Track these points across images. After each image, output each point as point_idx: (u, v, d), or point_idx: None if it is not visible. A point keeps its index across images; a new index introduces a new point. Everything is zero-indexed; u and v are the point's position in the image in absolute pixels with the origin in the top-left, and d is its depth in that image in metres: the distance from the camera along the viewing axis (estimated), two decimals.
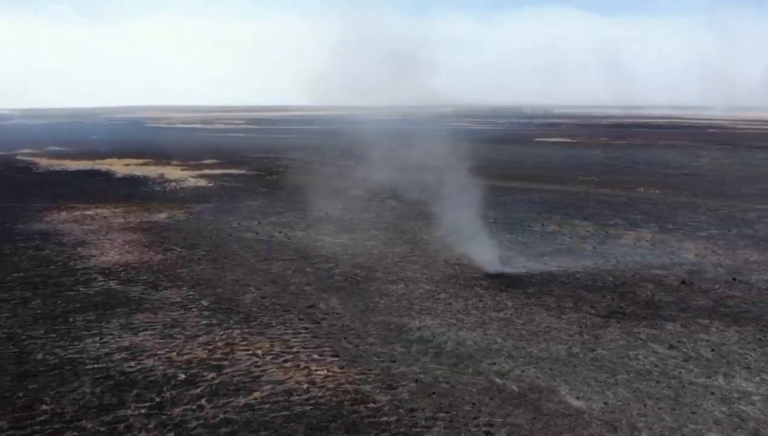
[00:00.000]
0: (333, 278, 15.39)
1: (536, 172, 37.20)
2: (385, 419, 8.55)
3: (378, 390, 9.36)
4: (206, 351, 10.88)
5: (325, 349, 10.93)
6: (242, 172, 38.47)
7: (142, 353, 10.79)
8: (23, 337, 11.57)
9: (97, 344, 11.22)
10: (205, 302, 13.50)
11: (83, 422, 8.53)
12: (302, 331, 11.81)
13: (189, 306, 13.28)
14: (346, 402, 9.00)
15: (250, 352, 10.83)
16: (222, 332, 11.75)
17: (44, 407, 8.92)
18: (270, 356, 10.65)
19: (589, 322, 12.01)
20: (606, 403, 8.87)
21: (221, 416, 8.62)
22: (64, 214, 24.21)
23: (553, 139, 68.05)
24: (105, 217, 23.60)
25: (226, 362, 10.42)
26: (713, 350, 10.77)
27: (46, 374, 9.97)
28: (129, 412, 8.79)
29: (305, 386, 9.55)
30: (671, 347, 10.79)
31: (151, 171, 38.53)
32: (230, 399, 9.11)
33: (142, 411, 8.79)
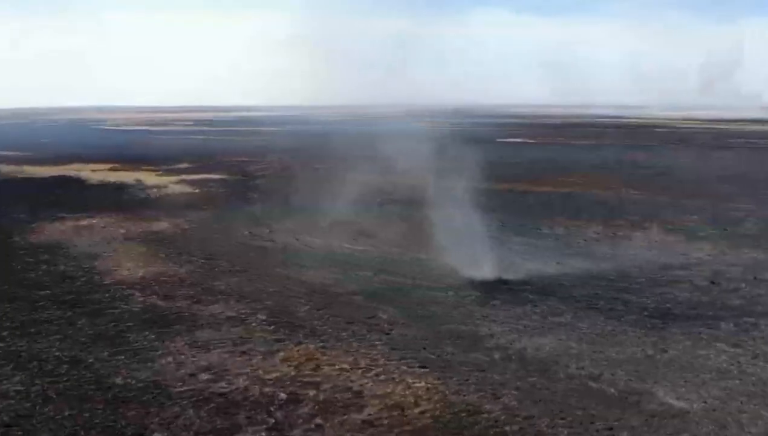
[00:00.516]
0: (375, 286, 15.44)
1: (518, 174, 38.13)
2: (507, 428, 8.77)
3: (485, 400, 9.56)
4: (292, 368, 10.76)
5: (410, 360, 11.03)
6: (222, 177, 37.63)
7: (227, 372, 10.57)
8: (90, 360, 11.10)
9: (174, 365, 10.91)
10: (261, 316, 13.30)
11: None
12: (377, 342, 11.85)
13: (247, 321, 13.06)
14: (462, 414, 9.17)
15: (337, 367, 10.80)
16: (297, 348, 11.64)
17: (158, 435, 8.67)
18: (359, 370, 10.66)
19: (648, 323, 12.60)
20: (705, 402, 9.41)
21: (347, 435, 8.62)
22: (57, 225, 23.11)
23: (515, 140, 69.75)
24: (102, 227, 22.69)
25: (318, 378, 10.36)
26: None
27: (138, 400, 9.64)
28: None
29: (412, 399, 9.64)
30: (735, 345, 11.50)
31: (125, 177, 37.14)
32: (344, 417, 9.11)
33: (263, 434, 8.68)
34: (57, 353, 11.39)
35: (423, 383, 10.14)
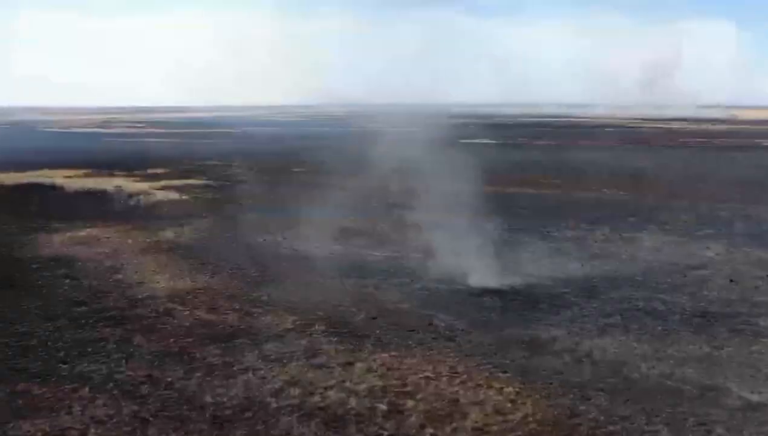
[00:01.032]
0: (417, 293, 15.67)
1: (500, 176, 39.04)
2: (611, 428, 9.24)
3: (577, 402, 10.01)
4: (377, 378, 10.91)
5: (488, 366, 11.36)
6: (204, 182, 36.95)
7: (314, 386, 10.60)
8: (168, 379, 10.92)
9: (257, 380, 10.86)
10: (320, 327, 13.33)
11: None
12: (447, 350, 12.12)
13: (308, 332, 13.08)
14: (561, 416, 9.58)
15: (421, 375, 11.01)
16: (371, 357, 11.78)
17: None
18: (444, 378, 10.91)
19: (693, 322, 13.38)
20: None
21: None
22: (55, 236, 22.28)
23: (480, 141, 71.10)
24: (107, 237, 22.01)
25: (408, 388, 10.55)
26: None
27: (240, 418, 9.59)
28: None
29: (508, 404, 9.98)
30: None
31: (103, 183, 35.91)
32: (453, 424, 9.35)
33: None
34: (129, 373, 11.15)
35: (511, 388, 10.51)
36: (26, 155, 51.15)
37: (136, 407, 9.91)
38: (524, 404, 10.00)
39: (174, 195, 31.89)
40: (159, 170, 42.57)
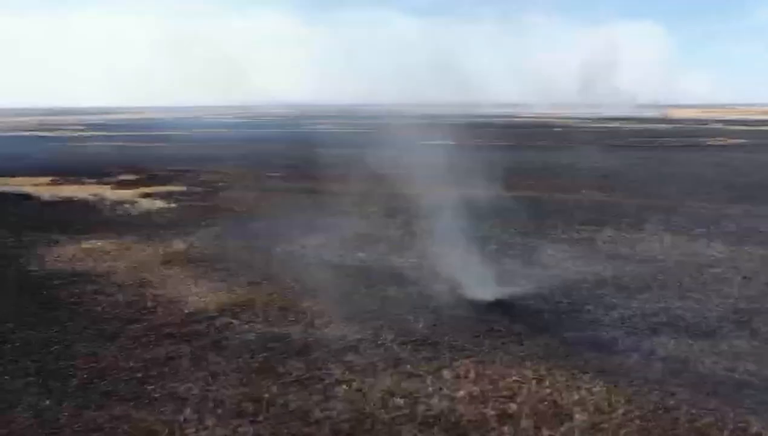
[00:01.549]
0: (465, 299, 16.00)
1: (478, 178, 40.01)
2: (706, 420, 10.00)
3: (665, 397, 10.75)
4: (471, 383, 11.30)
5: (568, 367, 11.90)
6: (185, 189, 36.13)
7: (415, 395, 10.86)
8: (266, 395, 10.91)
9: (355, 393, 11.02)
10: (388, 336, 13.58)
11: None
12: (521, 354, 12.61)
13: (379, 342, 13.29)
14: (658, 411, 10.29)
15: (510, 380, 11.47)
16: (453, 364, 12.15)
17: None
18: (534, 380, 11.38)
19: (730, 317, 14.48)
20: None
21: None
22: (59, 250, 21.40)
23: (439, 142, 72.24)
24: (115, 250, 21.32)
25: (505, 392, 10.99)
26: None
27: (362, 431, 9.77)
28: None
29: (604, 403, 10.60)
30: None
31: (77, 192, 34.56)
32: (567, 425, 9.86)
33: None
34: (225, 392, 11.07)
35: (599, 388, 11.16)
36: None
37: (251, 428, 9.93)
38: (618, 402, 10.67)
39: (161, 203, 31.08)
40: (129, 177, 41.30)
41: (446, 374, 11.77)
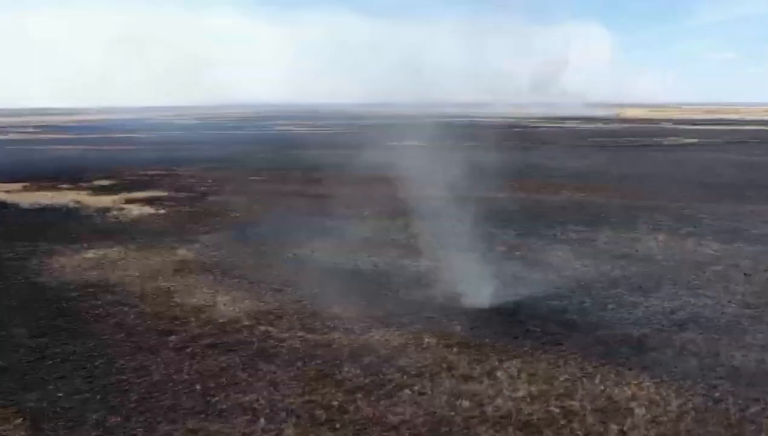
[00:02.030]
0: (492, 301, 16.27)
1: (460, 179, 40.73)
2: (753, 409, 10.74)
3: (710, 390, 11.44)
4: (527, 383, 11.70)
5: (611, 366, 12.50)
6: (168, 194, 35.45)
7: (478, 396, 11.21)
8: (334, 403, 11.06)
9: (419, 396, 11.30)
10: (430, 340, 13.86)
11: None
12: (563, 353, 13.12)
13: (424, 345, 13.54)
14: (709, 403, 10.97)
15: (563, 378, 11.95)
16: (503, 365, 12.56)
17: None
18: (584, 378, 11.90)
19: (747, 313, 15.41)
20: None
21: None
22: (62, 259, 20.81)
23: (409, 143, 72.85)
24: (121, 259, 20.88)
25: (561, 390, 11.44)
26: None
27: (441, 434, 10.08)
28: None
29: (657, 397, 11.23)
30: None
31: (56, 198, 33.46)
32: (630, 420, 10.40)
33: None
34: (290, 400, 11.16)
35: (647, 383, 11.78)
36: None
37: (333, 434, 10.09)
38: (669, 396, 11.31)
39: (149, 209, 30.45)
40: (105, 182, 40.27)
41: (500, 375, 12.18)
